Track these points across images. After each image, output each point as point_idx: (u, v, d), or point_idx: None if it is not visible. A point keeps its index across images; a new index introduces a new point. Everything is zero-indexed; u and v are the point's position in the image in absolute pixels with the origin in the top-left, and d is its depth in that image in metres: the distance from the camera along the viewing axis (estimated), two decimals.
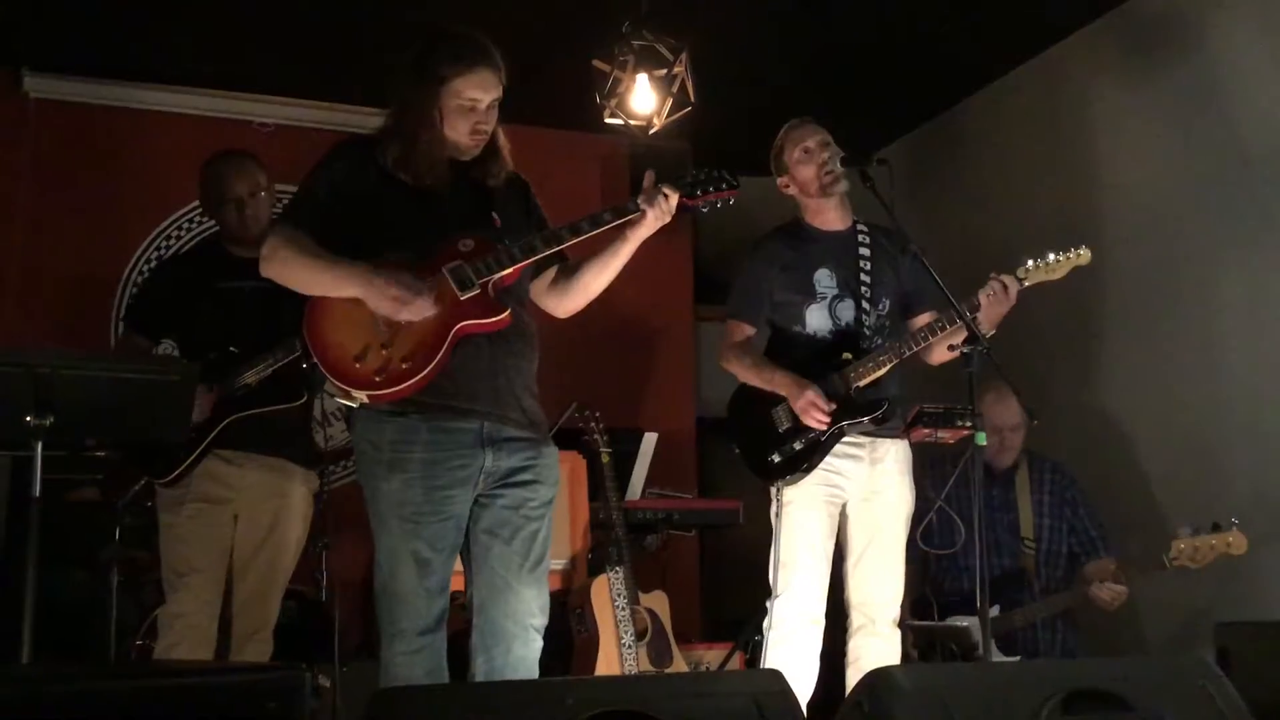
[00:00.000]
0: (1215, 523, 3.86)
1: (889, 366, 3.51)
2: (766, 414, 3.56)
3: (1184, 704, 2.12)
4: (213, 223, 5.13)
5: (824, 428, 3.45)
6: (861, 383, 3.50)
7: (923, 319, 3.68)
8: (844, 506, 3.56)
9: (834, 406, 3.45)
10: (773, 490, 3.56)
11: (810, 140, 3.65)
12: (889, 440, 3.59)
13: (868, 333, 3.60)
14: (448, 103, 2.79)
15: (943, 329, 3.47)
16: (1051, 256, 3.46)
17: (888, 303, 3.67)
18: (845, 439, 3.51)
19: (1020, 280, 3.44)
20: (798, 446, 3.50)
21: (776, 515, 3.53)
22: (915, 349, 3.52)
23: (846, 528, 3.58)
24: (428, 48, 2.82)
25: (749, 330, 3.70)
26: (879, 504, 3.56)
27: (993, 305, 3.41)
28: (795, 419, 3.51)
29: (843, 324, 3.61)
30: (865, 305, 3.61)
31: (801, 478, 3.50)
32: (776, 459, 3.51)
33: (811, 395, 3.44)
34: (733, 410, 3.73)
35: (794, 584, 3.48)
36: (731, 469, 3.74)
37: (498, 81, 2.83)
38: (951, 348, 3.41)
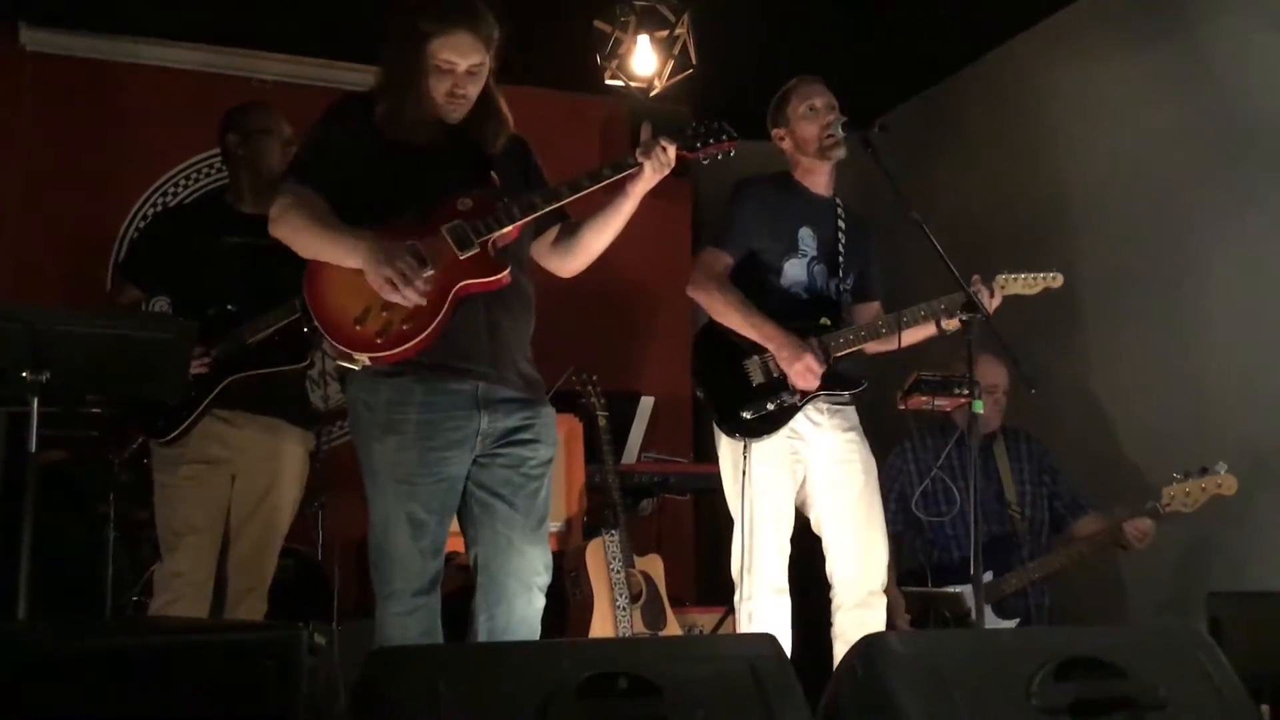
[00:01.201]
0: (1203, 466, 3.90)
1: (867, 344, 3.50)
2: (738, 363, 3.49)
3: (1176, 673, 2.13)
4: (210, 179, 5.14)
5: (812, 389, 3.42)
6: (840, 354, 3.48)
7: (869, 309, 3.69)
8: (806, 477, 3.52)
9: (824, 370, 3.42)
10: (738, 444, 3.47)
11: (818, 99, 3.61)
12: (845, 405, 3.58)
13: (841, 301, 3.59)
14: (427, 62, 2.75)
15: (925, 315, 3.44)
16: (1026, 275, 3.52)
17: (852, 279, 3.66)
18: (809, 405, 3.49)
19: (999, 289, 3.48)
20: (770, 406, 3.44)
21: (742, 475, 3.45)
22: (902, 330, 3.48)
23: (818, 502, 3.53)
24: (414, 4, 2.77)
25: (729, 261, 3.57)
26: (850, 474, 3.52)
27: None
28: (769, 375, 3.46)
29: (818, 287, 3.58)
30: (840, 274, 3.60)
31: (767, 439, 3.45)
32: (748, 415, 3.45)
33: (811, 360, 3.40)
34: (699, 351, 3.62)
35: (759, 555, 3.44)
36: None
37: (478, 46, 2.76)
38: (942, 330, 3.40)
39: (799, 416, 3.48)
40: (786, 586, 3.47)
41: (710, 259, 3.58)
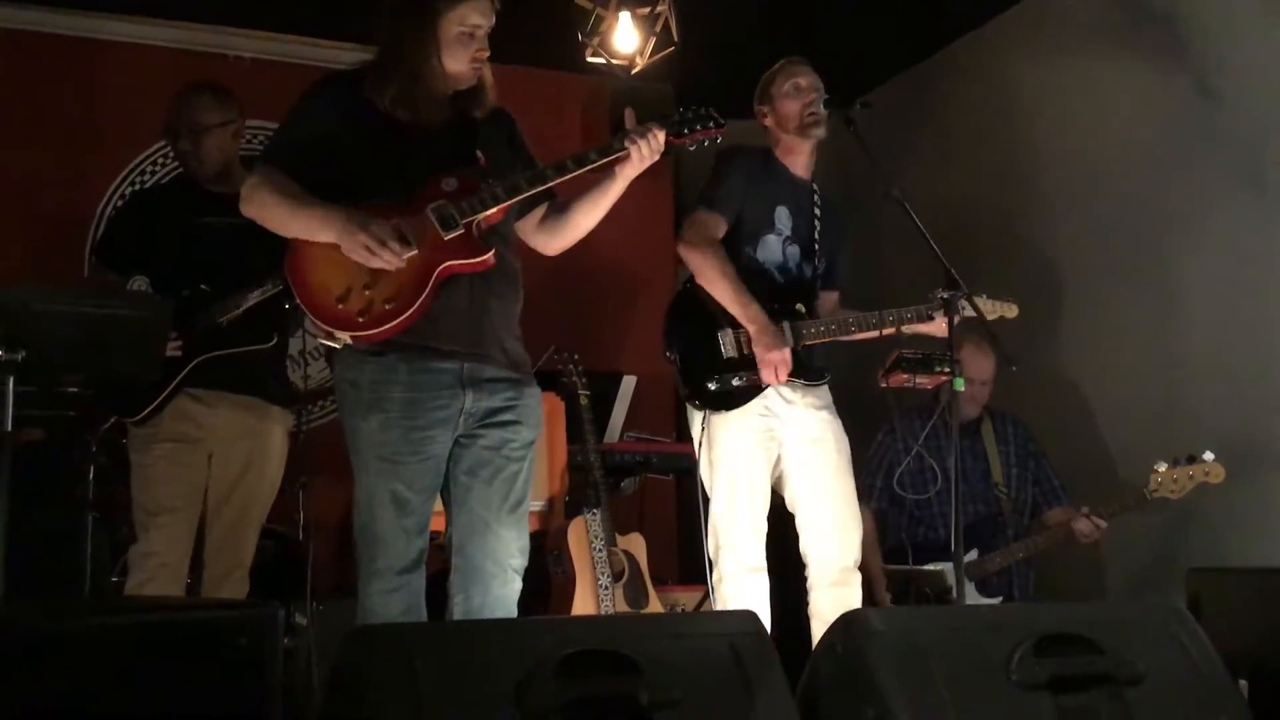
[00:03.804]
0: (1190, 455, 3.91)
1: (837, 338, 3.49)
2: (711, 334, 3.49)
3: (1155, 649, 2.15)
4: None
5: (772, 383, 3.43)
6: (810, 341, 3.49)
7: (831, 297, 3.69)
8: (780, 456, 3.52)
9: (790, 370, 3.43)
10: (699, 415, 3.49)
11: (803, 79, 3.62)
12: (817, 384, 3.58)
13: (814, 287, 3.59)
14: (447, 32, 2.74)
15: (910, 318, 3.44)
16: (985, 298, 3.47)
17: (824, 264, 3.67)
18: (781, 385, 3.48)
19: (961, 309, 3.27)
20: (736, 383, 3.44)
21: (710, 451, 3.46)
22: (875, 329, 3.48)
23: (792, 481, 3.53)
24: None
25: (723, 224, 3.54)
26: (824, 453, 3.52)
27: (934, 328, 3.41)
28: (740, 351, 3.46)
29: (790, 267, 3.59)
30: (814, 259, 3.61)
31: (732, 414, 3.45)
32: (713, 387, 3.45)
33: (784, 356, 3.40)
34: (674, 316, 3.61)
35: (734, 535, 3.45)
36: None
37: (492, 9, 2.79)
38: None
39: (772, 395, 3.48)
40: (764, 565, 3.48)
41: (706, 220, 3.55)
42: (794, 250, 3.60)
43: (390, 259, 2.61)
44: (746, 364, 3.45)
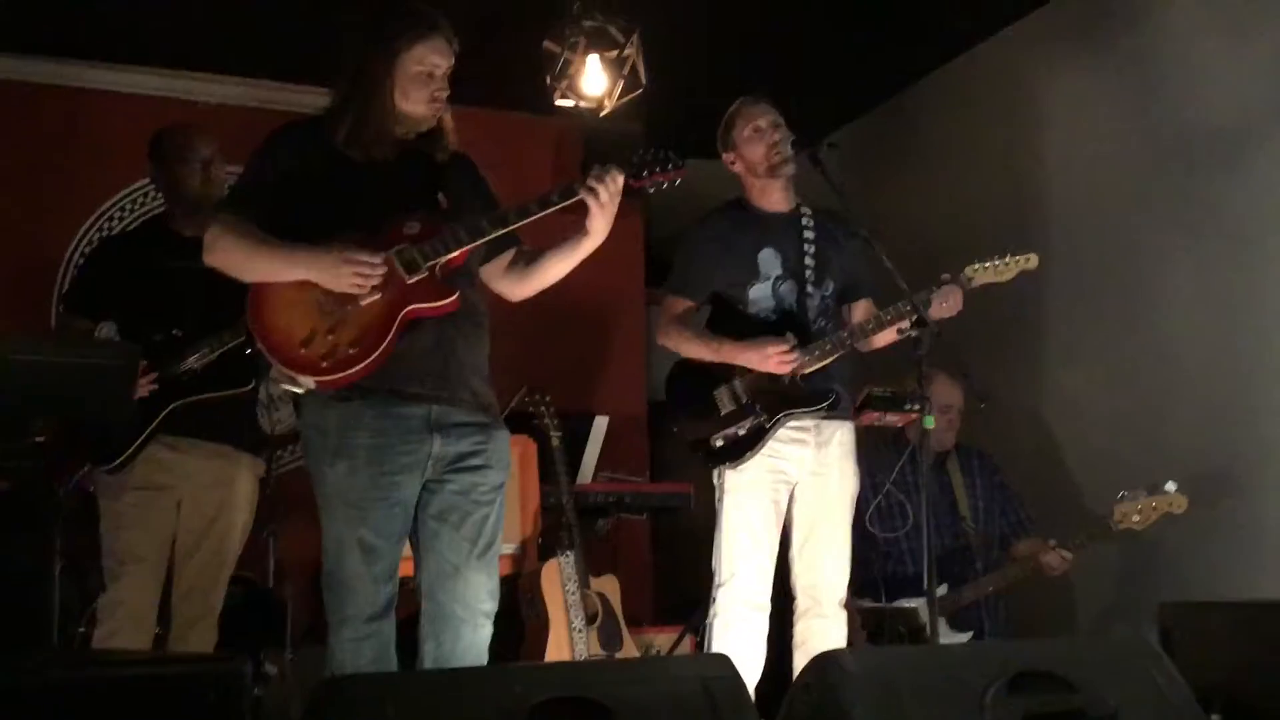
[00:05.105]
0: (1153, 484, 3.93)
1: (834, 358, 3.49)
2: (707, 395, 3.52)
3: (1127, 684, 2.15)
4: (157, 202, 5.07)
5: (791, 370, 3.42)
6: (806, 370, 3.49)
7: (859, 308, 3.68)
8: (791, 490, 3.54)
9: (794, 344, 3.42)
10: (715, 474, 3.53)
11: (762, 119, 3.63)
12: (835, 423, 3.56)
13: (812, 315, 3.58)
14: (404, 71, 2.75)
15: (890, 319, 3.42)
16: (997, 260, 3.44)
17: (832, 285, 3.65)
18: (790, 424, 3.49)
19: (968, 282, 3.41)
20: (740, 432, 3.47)
21: (720, 500, 3.50)
22: (864, 338, 3.50)
23: (791, 510, 3.55)
24: (380, 18, 2.78)
25: (687, 304, 3.64)
26: (824, 487, 3.54)
27: (941, 310, 3.38)
28: (738, 401, 3.49)
29: (786, 305, 3.58)
30: (810, 288, 3.60)
31: (744, 463, 3.47)
32: (719, 444, 3.48)
33: (770, 348, 3.41)
34: (671, 389, 3.67)
35: (738, 572, 3.46)
36: (683, 452, 3.72)
37: (450, 50, 2.80)
38: (900, 331, 3.39)
39: (782, 438, 3.48)
40: (767, 605, 3.48)
41: (669, 305, 3.66)
42: (788, 287, 3.60)
43: (376, 271, 2.63)
44: (745, 412, 3.48)
